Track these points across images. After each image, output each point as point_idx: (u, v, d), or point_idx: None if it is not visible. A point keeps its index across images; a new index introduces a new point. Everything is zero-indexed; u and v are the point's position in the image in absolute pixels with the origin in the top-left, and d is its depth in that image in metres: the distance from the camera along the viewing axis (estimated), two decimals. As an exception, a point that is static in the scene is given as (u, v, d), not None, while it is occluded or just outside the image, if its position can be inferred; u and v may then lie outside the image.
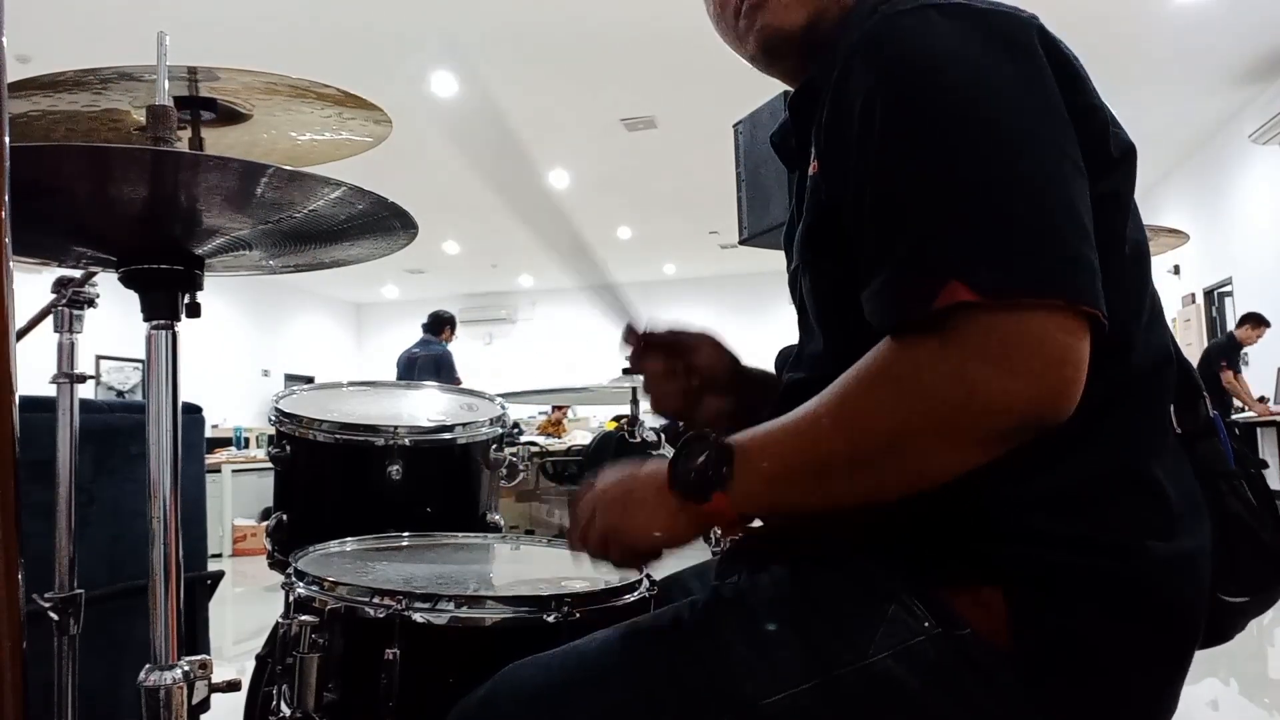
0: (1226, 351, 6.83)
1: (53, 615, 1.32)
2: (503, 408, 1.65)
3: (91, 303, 1.41)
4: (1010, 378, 0.64)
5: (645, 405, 3.10)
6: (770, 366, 1.10)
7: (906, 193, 0.70)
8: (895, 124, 0.71)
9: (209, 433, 7.77)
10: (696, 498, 0.74)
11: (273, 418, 1.53)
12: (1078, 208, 0.69)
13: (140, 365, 7.54)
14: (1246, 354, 7.21)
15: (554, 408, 7.80)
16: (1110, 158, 0.76)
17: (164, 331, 0.94)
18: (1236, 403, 6.96)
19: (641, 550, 0.79)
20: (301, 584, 1.03)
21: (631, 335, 1.02)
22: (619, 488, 0.80)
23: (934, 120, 0.70)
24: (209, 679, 0.92)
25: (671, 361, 1.04)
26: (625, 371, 2.27)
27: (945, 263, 0.66)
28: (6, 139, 0.55)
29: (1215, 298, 8.60)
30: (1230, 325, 8.16)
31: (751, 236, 2.67)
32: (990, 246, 0.66)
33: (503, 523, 1.59)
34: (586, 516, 0.80)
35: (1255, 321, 6.80)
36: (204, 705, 0.93)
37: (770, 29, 0.90)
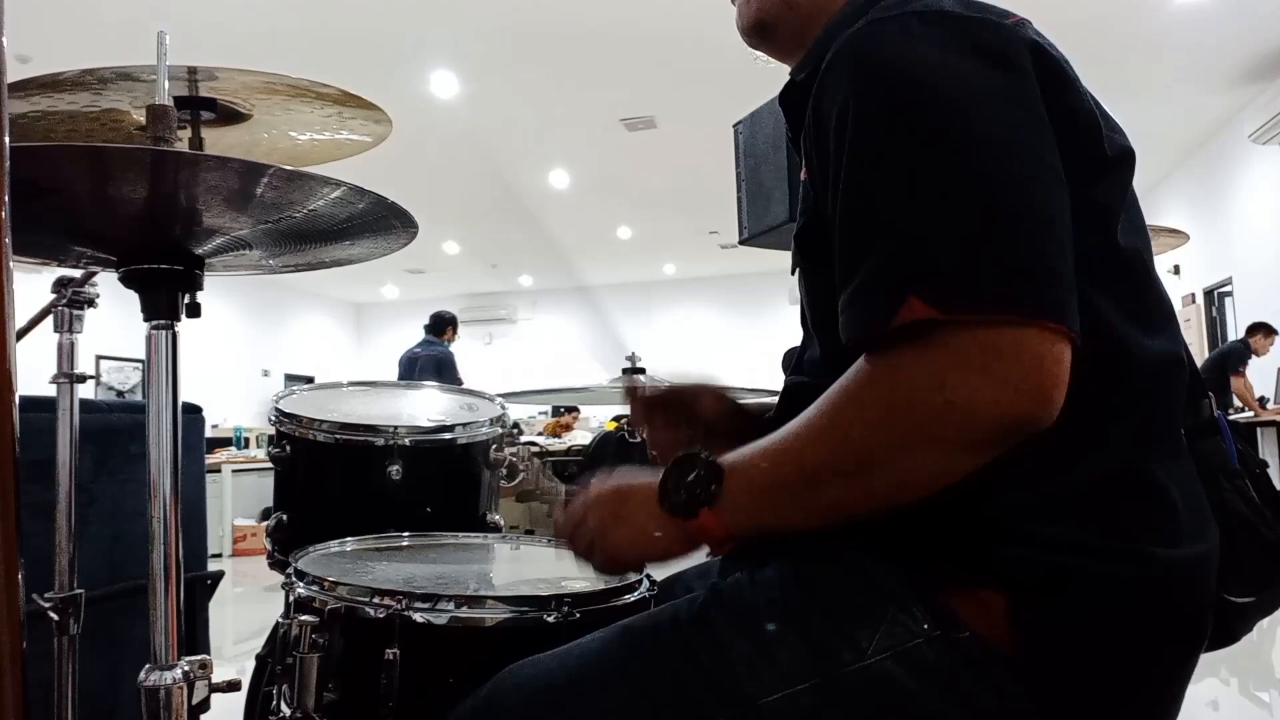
0: (1244, 357, 6.83)
1: (53, 615, 1.31)
2: (503, 408, 1.65)
3: (91, 303, 1.41)
4: (989, 383, 0.64)
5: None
6: (768, 369, 1.11)
7: (871, 207, 0.70)
8: (864, 137, 0.71)
9: (209, 433, 7.77)
10: (684, 514, 0.75)
11: (273, 418, 1.53)
12: (1052, 219, 0.68)
13: (140, 365, 7.54)
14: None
15: (565, 409, 7.75)
16: (1104, 160, 0.76)
17: (164, 331, 0.94)
18: (1236, 403, 6.96)
19: (624, 561, 0.81)
20: (301, 584, 1.03)
21: (632, 396, 1.07)
22: (613, 496, 0.81)
23: (901, 134, 0.70)
24: (209, 679, 0.92)
25: (673, 416, 1.07)
26: (626, 371, 2.26)
27: (904, 279, 0.66)
28: (6, 139, 0.55)
29: (1215, 298, 8.59)
30: (1230, 325, 8.16)
31: (751, 236, 2.66)
32: (951, 262, 0.66)
33: (503, 523, 1.59)
34: (578, 518, 0.82)
35: (1267, 331, 6.82)
36: (204, 705, 0.93)
37: (745, 17, 0.96)
